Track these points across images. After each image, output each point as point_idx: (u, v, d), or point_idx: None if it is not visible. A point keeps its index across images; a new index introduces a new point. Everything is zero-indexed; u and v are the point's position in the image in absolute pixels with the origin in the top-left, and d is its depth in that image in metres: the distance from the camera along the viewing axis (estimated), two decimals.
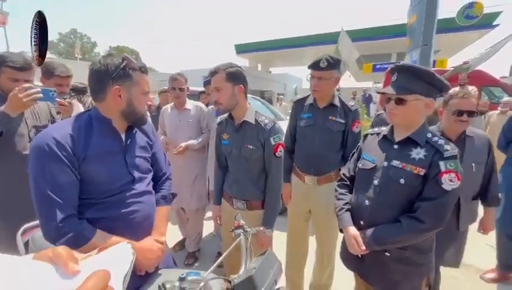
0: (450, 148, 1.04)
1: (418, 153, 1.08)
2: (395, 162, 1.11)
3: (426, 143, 1.08)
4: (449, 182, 1.00)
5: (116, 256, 0.36)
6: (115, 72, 0.91)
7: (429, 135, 1.09)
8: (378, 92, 1.23)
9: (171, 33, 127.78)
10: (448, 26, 9.36)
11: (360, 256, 1.19)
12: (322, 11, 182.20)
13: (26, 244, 1.13)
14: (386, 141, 1.20)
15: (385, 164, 1.15)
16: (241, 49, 17.64)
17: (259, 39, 17.52)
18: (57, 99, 1.44)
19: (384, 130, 1.24)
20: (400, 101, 1.08)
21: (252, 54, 17.71)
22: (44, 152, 0.83)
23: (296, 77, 23.95)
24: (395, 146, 1.15)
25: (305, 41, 15.32)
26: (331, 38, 11.44)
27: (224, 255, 0.75)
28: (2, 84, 1.40)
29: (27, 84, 1.24)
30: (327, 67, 1.61)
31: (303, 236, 1.94)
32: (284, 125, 1.74)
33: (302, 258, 1.97)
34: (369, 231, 1.12)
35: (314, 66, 1.64)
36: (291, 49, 15.80)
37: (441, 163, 1.01)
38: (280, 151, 1.41)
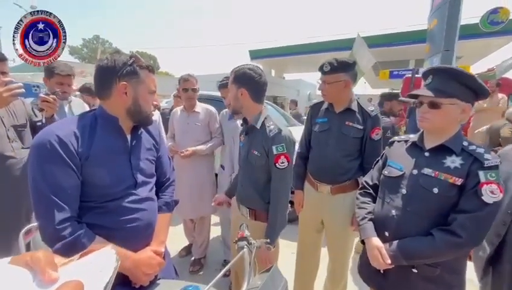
0: (491, 158, 0.93)
1: (453, 162, 0.98)
2: (427, 170, 1.02)
3: (462, 151, 0.98)
4: (490, 194, 0.89)
5: (98, 263, 0.33)
6: (123, 68, 0.88)
7: (465, 143, 1.00)
8: (410, 95, 1.11)
9: (186, 39, 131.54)
10: (471, 32, 8.96)
11: (382, 271, 1.08)
12: (337, 17, 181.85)
13: (28, 245, 1.12)
14: (416, 148, 1.11)
15: (414, 171, 1.05)
16: (255, 55, 17.72)
17: (273, 45, 17.44)
18: (40, 95, 1.36)
19: (413, 137, 1.15)
20: (433, 105, 0.99)
21: (266, 59, 17.72)
22: (45, 150, 0.79)
23: (309, 83, 23.79)
24: (426, 153, 1.06)
25: (319, 47, 15.17)
26: (346, 45, 11.24)
27: (224, 269, 0.67)
28: None
29: (7, 79, 1.17)
30: (330, 71, 1.55)
31: (314, 248, 1.82)
32: (294, 130, 1.66)
33: (312, 272, 1.84)
34: (396, 243, 1.02)
35: (320, 70, 1.61)
36: (306, 55, 15.67)
37: (481, 173, 0.92)
38: (282, 163, 1.26)
